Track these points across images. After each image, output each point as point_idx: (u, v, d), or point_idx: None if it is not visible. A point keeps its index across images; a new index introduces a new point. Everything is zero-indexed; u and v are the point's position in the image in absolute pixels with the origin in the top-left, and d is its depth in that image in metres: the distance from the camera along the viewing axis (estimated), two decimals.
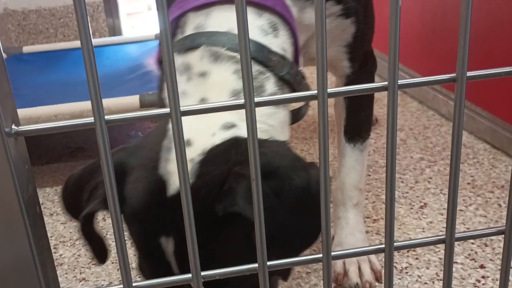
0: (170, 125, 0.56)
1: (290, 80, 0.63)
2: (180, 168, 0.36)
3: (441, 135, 1.39)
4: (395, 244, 0.43)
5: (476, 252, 0.92)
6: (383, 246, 0.43)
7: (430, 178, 1.17)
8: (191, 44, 0.61)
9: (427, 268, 0.89)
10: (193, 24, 0.63)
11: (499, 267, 0.88)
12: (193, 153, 0.54)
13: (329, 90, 0.38)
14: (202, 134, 0.55)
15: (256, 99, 0.37)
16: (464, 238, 0.44)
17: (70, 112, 1.16)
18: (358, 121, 0.86)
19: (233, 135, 0.55)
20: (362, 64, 0.80)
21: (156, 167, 0.54)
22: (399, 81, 0.39)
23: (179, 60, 0.62)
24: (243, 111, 0.57)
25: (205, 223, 0.51)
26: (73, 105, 1.18)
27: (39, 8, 2.19)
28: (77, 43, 1.81)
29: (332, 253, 0.41)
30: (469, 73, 0.40)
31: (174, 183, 0.53)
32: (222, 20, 0.62)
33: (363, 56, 0.81)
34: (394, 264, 0.90)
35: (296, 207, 0.52)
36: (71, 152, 1.45)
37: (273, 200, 0.51)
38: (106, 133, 0.36)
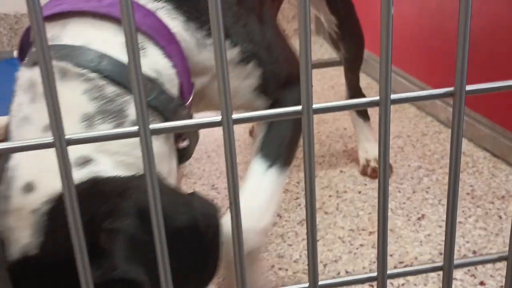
0: (11, 163, 0.46)
1: (159, 107, 0.53)
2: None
3: (440, 143, 1.36)
4: (388, 272, 0.40)
5: (476, 268, 0.88)
6: (375, 274, 0.39)
7: (428, 188, 1.14)
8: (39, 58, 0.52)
9: (425, 285, 0.85)
10: (48, 35, 0.56)
11: (500, 284, 0.85)
12: (36, 201, 0.44)
13: (315, 106, 0.35)
14: (48, 174, 0.45)
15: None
16: (463, 265, 0.41)
17: None
18: (282, 136, 0.65)
19: (90, 175, 0.45)
20: (285, 88, 0.67)
21: None
22: (392, 95, 0.35)
23: (25, 74, 0.52)
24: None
25: None
26: None
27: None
28: None
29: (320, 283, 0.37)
30: (468, 87, 0.36)
31: (16, 242, 0.43)
32: (78, 32, 0.53)
33: (285, 81, 0.68)
34: (391, 281, 0.86)
35: (186, 249, 0.45)
36: None
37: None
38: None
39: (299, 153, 1.38)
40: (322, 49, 2.18)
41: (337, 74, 1.92)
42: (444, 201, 1.09)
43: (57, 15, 0.54)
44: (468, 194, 1.10)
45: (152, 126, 0.33)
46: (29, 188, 0.44)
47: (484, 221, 1.01)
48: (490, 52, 1.24)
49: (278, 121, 0.65)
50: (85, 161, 0.46)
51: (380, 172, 0.37)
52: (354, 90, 1.26)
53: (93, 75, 0.50)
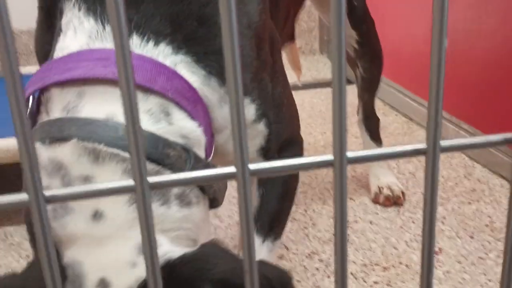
0: (69, 260, 0.44)
1: None
2: None
3: (452, 168, 1.29)
4: None
5: None
6: None
7: (444, 218, 1.07)
8: (59, 134, 0.47)
9: None
10: (60, 104, 0.48)
11: None
12: None
13: (349, 154, 0.29)
14: (118, 268, 0.43)
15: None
16: None
17: None
18: (274, 211, 0.67)
19: (162, 259, 0.43)
20: (283, 149, 0.65)
21: None
22: (442, 141, 0.29)
23: (44, 153, 0.47)
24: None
25: None
26: None
27: (31, 29, 2.11)
28: None
29: None
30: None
31: None
32: (99, 102, 0.48)
33: (284, 140, 0.66)
34: None
35: None
36: None
37: None
38: None
39: (305, 178, 1.32)
40: (325, 68, 2.13)
41: None
42: (462, 233, 1.02)
43: (62, 82, 0.49)
44: (487, 226, 1.04)
45: (151, 179, 0.27)
46: (104, 285, 0.43)
47: None
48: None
49: (270, 191, 0.65)
50: None
51: (425, 235, 0.31)
52: (369, 113, 1.20)
53: (127, 154, 0.47)
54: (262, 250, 0.65)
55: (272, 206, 0.66)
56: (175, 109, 0.50)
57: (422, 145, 0.29)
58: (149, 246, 0.27)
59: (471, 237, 1.01)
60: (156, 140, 0.48)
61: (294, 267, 0.95)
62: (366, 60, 1.10)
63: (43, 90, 0.50)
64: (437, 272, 0.91)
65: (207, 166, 0.52)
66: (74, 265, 0.44)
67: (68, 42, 0.51)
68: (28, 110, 0.51)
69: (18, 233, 1.14)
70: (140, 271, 0.43)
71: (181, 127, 0.50)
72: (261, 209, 0.65)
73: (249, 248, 0.28)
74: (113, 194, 0.28)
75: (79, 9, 0.50)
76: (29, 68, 1.77)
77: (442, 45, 0.26)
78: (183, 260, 0.44)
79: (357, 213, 1.12)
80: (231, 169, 0.28)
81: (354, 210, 1.13)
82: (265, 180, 0.65)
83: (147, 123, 0.48)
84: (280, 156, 0.64)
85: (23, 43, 2.18)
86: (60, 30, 0.52)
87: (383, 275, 0.92)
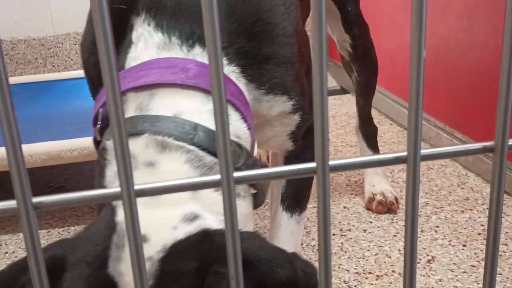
0: (119, 217, 0.48)
1: None
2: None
3: (446, 177, 1.30)
4: None
5: None
6: None
7: (437, 226, 1.08)
8: (133, 129, 0.53)
9: None
10: (134, 104, 0.56)
11: None
12: (151, 251, 0.46)
13: (331, 163, 0.29)
14: (160, 228, 0.48)
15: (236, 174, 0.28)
16: None
17: (46, 152, 1.07)
18: (297, 190, 0.78)
19: (200, 228, 0.48)
20: (305, 135, 0.74)
21: (104, 266, 0.46)
22: (422, 150, 0.30)
23: None
24: (204, 199, 0.51)
25: None
26: (51, 144, 1.09)
27: (28, 38, 2.12)
28: (64, 74, 1.73)
29: None
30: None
31: (126, 286, 0.45)
32: (168, 102, 0.55)
33: (307, 129, 0.75)
34: None
35: None
36: (51, 191, 1.35)
37: None
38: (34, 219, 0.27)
39: None
40: None
41: (338, 104, 1.87)
42: (455, 242, 1.03)
43: (137, 88, 0.56)
44: (479, 234, 1.04)
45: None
46: (143, 239, 0.46)
47: (498, 265, 0.95)
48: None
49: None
50: (194, 217, 0.49)
51: (407, 240, 0.31)
52: (365, 118, 1.21)
53: (191, 147, 0.52)
54: (290, 223, 0.76)
55: (294, 186, 0.77)
56: (232, 111, 0.57)
57: (403, 153, 0.30)
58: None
59: (464, 246, 1.02)
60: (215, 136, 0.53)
61: None
62: (360, 63, 1.13)
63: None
64: (430, 280, 0.92)
65: (256, 162, 0.58)
66: (122, 222, 0.48)
67: (139, 52, 0.58)
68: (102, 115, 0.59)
69: (13, 242, 1.14)
70: (178, 234, 0.47)
71: (236, 127, 0.57)
72: (286, 189, 0.77)
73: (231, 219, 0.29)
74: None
75: (149, 25, 0.58)
76: (27, 77, 1.79)
77: (420, 55, 0.27)
78: (217, 231, 0.48)
79: (351, 221, 1.12)
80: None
81: (348, 219, 1.13)
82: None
83: (209, 121, 0.54)
84: (303, 140, 0.72)
85: (21, 53, 2.18)
86: (131, 42, 0.59)
87: (376, 283, 0.92)
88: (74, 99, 1.51)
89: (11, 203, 0.27)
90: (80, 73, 1.65)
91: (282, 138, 0.71)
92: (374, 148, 1.21)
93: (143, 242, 0.44)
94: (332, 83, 2.03)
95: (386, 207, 1.14)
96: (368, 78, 1.15)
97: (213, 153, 0.53)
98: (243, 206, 0.56)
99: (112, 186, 0.53)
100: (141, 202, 0.48)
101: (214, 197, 0.52)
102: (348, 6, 1.07)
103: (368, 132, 1.21)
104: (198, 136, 0.53)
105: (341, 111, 1.80)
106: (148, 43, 0.58)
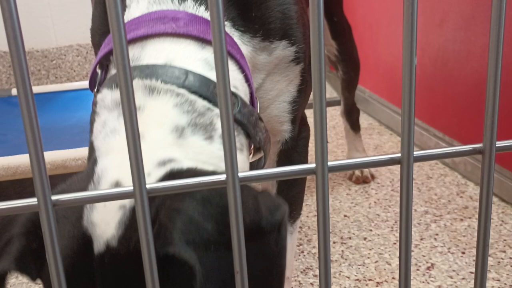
0: (98, 167, 0.48)
1: (242, 120, 0.55)
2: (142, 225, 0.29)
3: (446, 186, 1.32)
4: None
5: None
6: None
7: (437, 234, 1.09)
8: None
9: None
10: None
11: None
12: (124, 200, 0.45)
13: (330, 164, 0.31)
14: None
15: (241, 174, 0.30)
16: None
17: (51, 162, 1.09)
18: (288, 199, 0.72)
19: (168, 170, 0.47)
20: (299, 129, 0.72)
21: (80, 218, 0.45)
22: (415, 152, 0.32)
23: (108, 97, 0.53)
24: (190, 146, 0.49)
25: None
26: (55, 153, 1.11)
27: (31, 50, 2.15)
28: (67, 85, 1.76)
29: None
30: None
31: (99, 237, 0.44)
32: (159, 51, 0.54)
33: (300, 120, 0.73)
34: None
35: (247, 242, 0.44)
36: None
37: (217, 237, 0.42)
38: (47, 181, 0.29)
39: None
40: None
41: (338, 114, 1.90)
42: (454, 249, 1.04)
43: (132, 40, 0.55)
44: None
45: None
46: (117, 184, 0.46)
47: (496, 272, 0.96)
48: None
49: (288, 180, 0.72)
50: (169, 161, 0.48)
51: (402, 247, 0.33)
52: (350, 105, 1.43)
53: (181, 90, 0.51)
54: None
55: (284, 196, 0.72)
56: (229, 61, 0.55)
57: (397, 155, 0.32)
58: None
59: (463, 253, 1.03)
60: (208, 82, 0.53)
61: None
62: (344, 65, 1.32)
63: (111, 52, 0.57)
64: (429, 287, 0.93)
65: (252, 112, 0.57)
66: (102, 169, 0.48)
67: (132, 12, 0.58)
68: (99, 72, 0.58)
69: None
70: (151, 179, 0.46)
71: (233, 77, 0.55)
72: (279, 195, 0.72)
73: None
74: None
75: None
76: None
77: (412, 63, 0.29)
78: (184, 170, 0.46)
79: (351, 230, 1.14)
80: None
81: (349, 227, 1.15)
82: None
83: (202, 69, 0.53)
84: (299, 133, 0.71)
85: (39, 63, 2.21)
86: (125, 6, 0.59)
87: None
88: (77, 110, 1.54)
89: (31, 201, 0.29)
90: (83, 84, 1.68)
91: (281, 105, 0.67)
92: (356, 129, 1.44)
93: (117, 186, 0.45)
94: (332, 94, 2.06)
95: (362, 180, 1.37)
96: (352, 76, 1.36)
97: (206, 98, 0.52)
98: (239, 159, 0.52)
99: (98, 139, 0.52)
100: (120, 149, 0.49)
101: (202, 145, 0.50)
102: (334, 18, 1.24)
103: (352, 116, 1.45)
104: (188, 80, 0.52)
105: (341, 122, 1.82)
106: (140, 1, 0.58)
